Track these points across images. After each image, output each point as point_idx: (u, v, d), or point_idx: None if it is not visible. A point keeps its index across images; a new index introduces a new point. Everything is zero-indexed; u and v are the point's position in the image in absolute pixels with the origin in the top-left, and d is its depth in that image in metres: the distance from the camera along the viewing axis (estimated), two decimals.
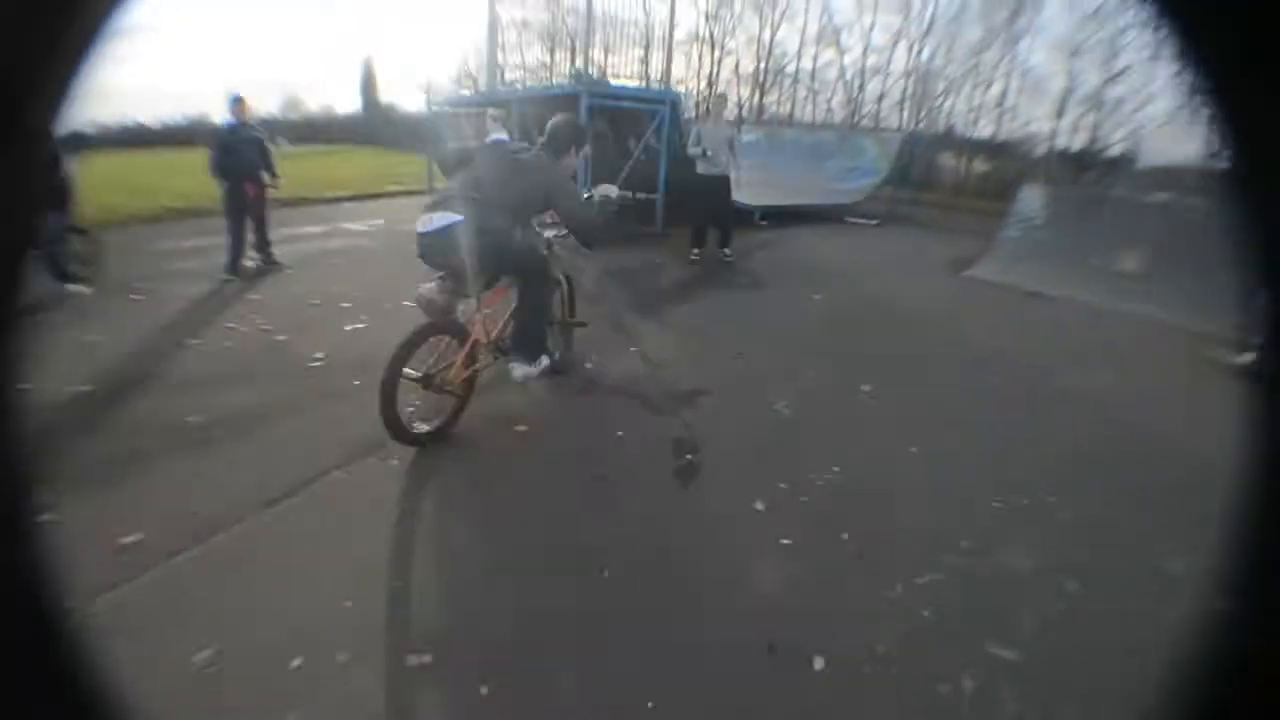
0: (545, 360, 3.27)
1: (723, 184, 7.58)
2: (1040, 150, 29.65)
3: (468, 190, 2.97)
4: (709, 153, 7.40)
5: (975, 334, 5.58)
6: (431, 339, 2.96)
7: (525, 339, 3.18)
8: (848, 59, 31.98)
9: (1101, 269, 7.76)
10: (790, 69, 32.82)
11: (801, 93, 33.12)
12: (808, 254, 8.91)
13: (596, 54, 9.96)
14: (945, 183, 31.23)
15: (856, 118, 30.30)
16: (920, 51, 30.52)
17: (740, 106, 32.96)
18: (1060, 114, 28.46)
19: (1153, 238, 7.79)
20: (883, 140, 15.42)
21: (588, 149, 3.84)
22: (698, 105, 34.25)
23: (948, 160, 31.86)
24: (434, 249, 2.93)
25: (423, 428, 2.97)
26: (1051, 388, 4.39)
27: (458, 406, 3.10)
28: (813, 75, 32.60)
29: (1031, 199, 9.00)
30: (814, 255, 8.88)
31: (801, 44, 32.14)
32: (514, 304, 3.22)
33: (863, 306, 6.25)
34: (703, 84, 34.67)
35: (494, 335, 3.22)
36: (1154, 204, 9.37)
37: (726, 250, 7.81)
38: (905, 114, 28.22)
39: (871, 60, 31.44)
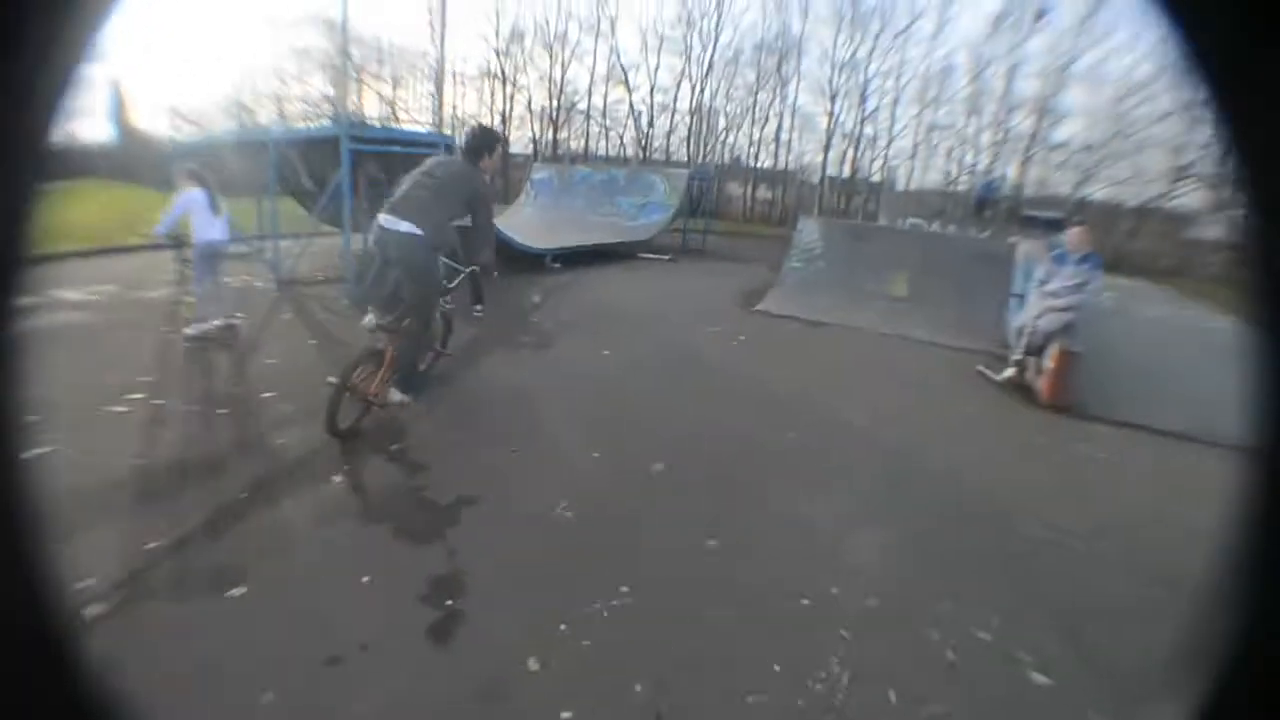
0: (410, 394, 4.05)
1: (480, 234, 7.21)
2: (814, 178, 34.23)
3: (404, 195, 3.74)
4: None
5: (771, 379, 5.68)
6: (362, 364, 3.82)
7: (401, 365, 3.88)
8: (636, 96, 34.63)
9: (874, 293, 8.55)
10: (582, 106, 34.80)
11: (594, 129, 34.99)
12: (600, 298, 8.79)
13: (384, 89, 9.19)
14: (733, 212, 34.55)
15: (647, 153, 32.52)
16: (702, 90, 33.99)
17: (534, 142, 33.84)
18: (827, 147, 33.29)
19: (911, 262, 8.75)
20: (671, 176, 16.12)
21: (499, 152, 4.29)
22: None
23: (735, 189, 35.37)
24: (380, 242, 3.71)
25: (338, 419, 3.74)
26: (851, 435, 4.50)
27: (359, 416, 3.90)
28: (604, 112, 34.77)
29: (809, 230, 9.73)
30: (606, 299, 8.78)
31: (592, 82, 34.77)
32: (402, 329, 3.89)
33: (654, 359, 6.14)
34: (496, 120, 35.14)
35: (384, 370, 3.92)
36: (910, 231, 10.73)
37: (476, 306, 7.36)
38: (692, 148, 30.52)
39: (659, 98, 34.92)
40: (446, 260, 4.09)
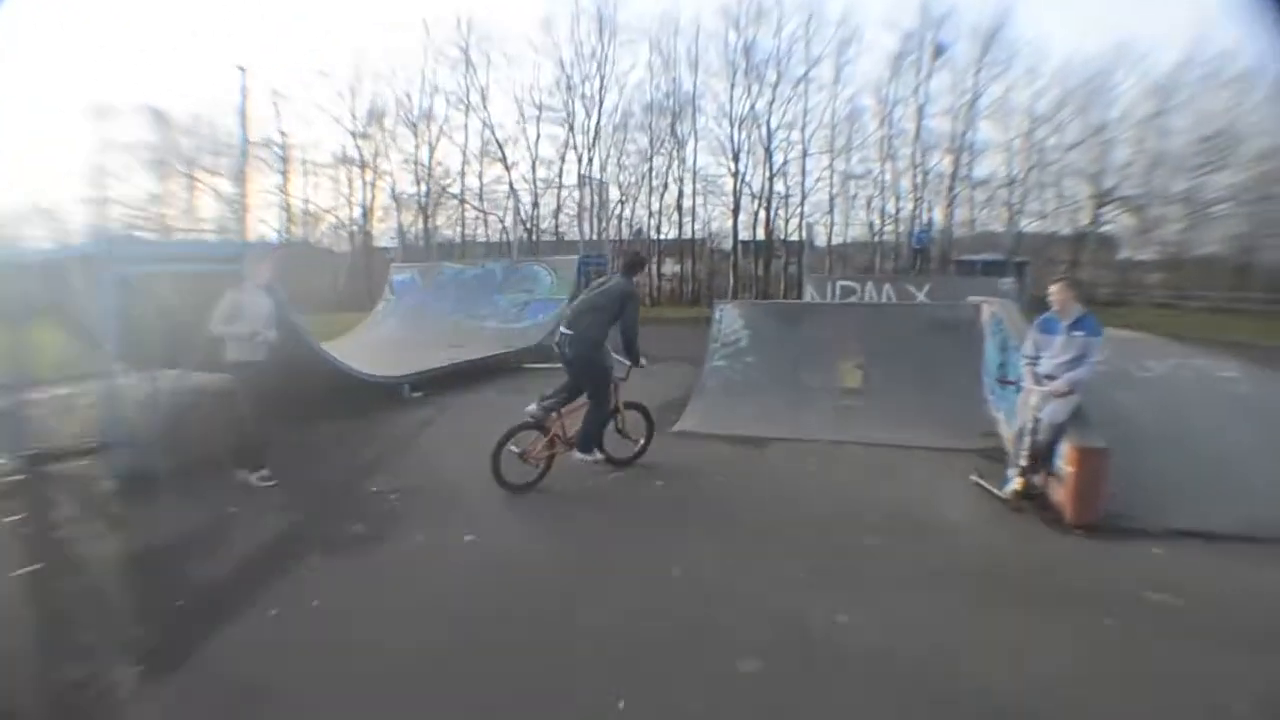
0: (597, 453, 6.03)
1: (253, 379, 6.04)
2: (725, 245, 34.41)
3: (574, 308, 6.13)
4: (261, 333, 5.83)
5: (700, 568, 4.50)
6: (523, 431, 5.73)
7: (585, 436, 5.90)
8: (516, 173, 33.97)
9: (819, 390, 7.75)
10: (455, 188, 34.04)
11: (470, 214, 34.10)
12: (468, 439, 7.46)
13: (220, 183, 7.86)
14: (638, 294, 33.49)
15: (534, 236, 31.69)
16: (589, 161, 33.70)
17: (400, 234, 32.60)
18: (736, 210, 33.65)
19: (859, 344, 8.06)
20: (558, 265, 15.33)
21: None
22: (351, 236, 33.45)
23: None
24: (562, 344, 5.90)
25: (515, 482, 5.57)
26: (835, 658, 3.34)
27: (536, 478, 5.75)
28: (480, 194, 34.02)
29: (730, 318, 8.97)
30: (477, 440, 7.48)
31: (465, 161, 33.97)
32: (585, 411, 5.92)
33: (533, 547, 4.91)
34: (355, 211, 33.91)
35: (565, 435, 5.93)
36: (851, 306, 10.21)
37: (253, 475, 6.00)
38: (585, 225, 30.18)
39: (542, 173, 34.32)
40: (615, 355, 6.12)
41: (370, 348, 13.29)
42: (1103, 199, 31.92)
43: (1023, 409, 5.32)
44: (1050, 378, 5.17)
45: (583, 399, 5.99)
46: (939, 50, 31.85)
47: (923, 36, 31.82)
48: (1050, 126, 31.84)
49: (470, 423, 8.20)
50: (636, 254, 6.75)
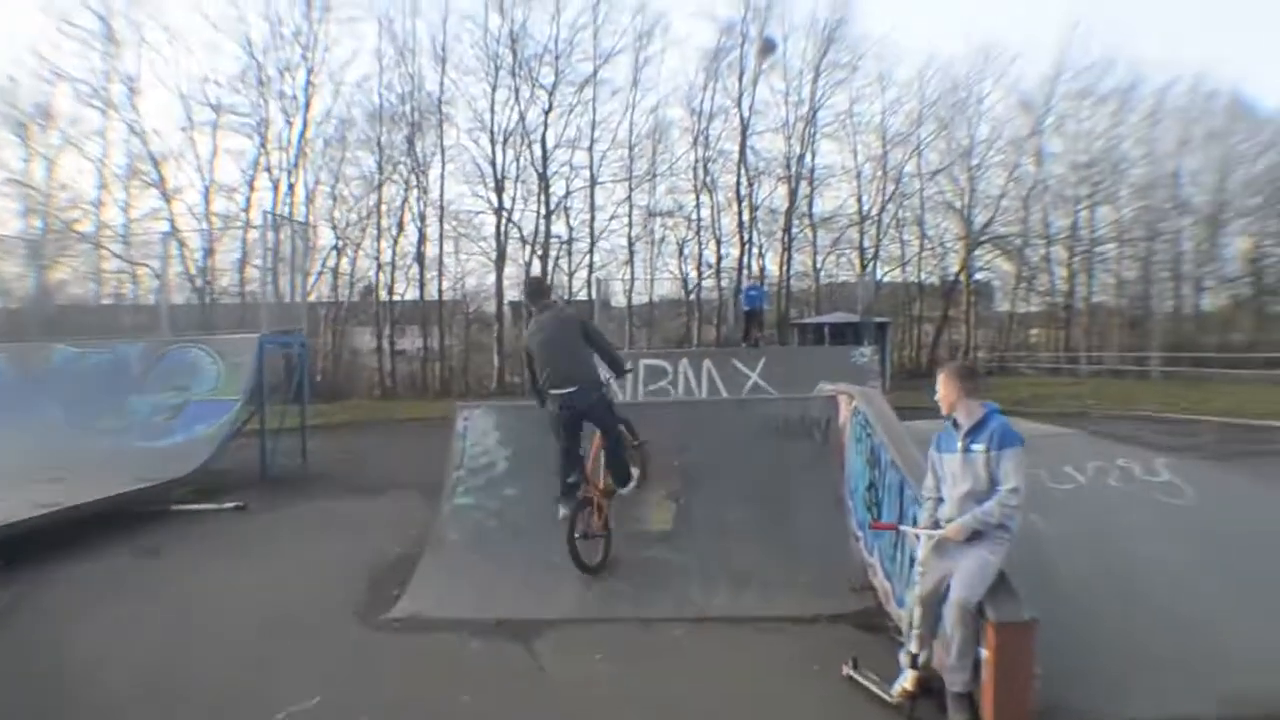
0: (634, 477, 7.43)
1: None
2: (488, 308, 33.11)
3: (542, 358, 7.18)
4: None
5: None
6: (578, 515, 6.99)
7: (615, 468, 7.34)
8: (179, 206, 30.42)
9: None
10: (86, 226, 29.69)
11: (112, 265, 30.04)
12: (60, 668, 6.04)
13: None
14: (362, 382, 31.76)
15: (207, 299, 28.28)
16: (290, 188, 31.37)
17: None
18: (500, 261, 32.31)
19: (669, 465, 7.74)
20: (226, 349, 13.76)
21: None
22: None
23: (364, 342, 32.20)
24: (568, 403, 7.01)
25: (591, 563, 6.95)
26: None
27: (606, 544, 7.20)
28: (126, 236, 29.96)
29: (479, 426, 8.17)
30: (78, 666, 6.06)
31: (103, 184, 30.78)
32: (603, 450, 7.40)
33: None
34: None
35: (601, 487, 7.43)
36: (654, 403, 9.72)
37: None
38: (280, 284, 28.22)
39: (220, 205, 30.92)
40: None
41: None
42: (975, 240, 34.39)
43: (923, 571, 4.82)
44: (949, 519, 4.73)
45: (583, 452, 7.41)
46: (766, 47, 32.73)
47: (746, 29, 32.79)
48: (907, 148, 34.18)
49: (59, 626, 6.69)
50: (536, 279, 10.29)
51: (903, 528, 4.99)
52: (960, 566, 4.51)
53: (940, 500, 4.83)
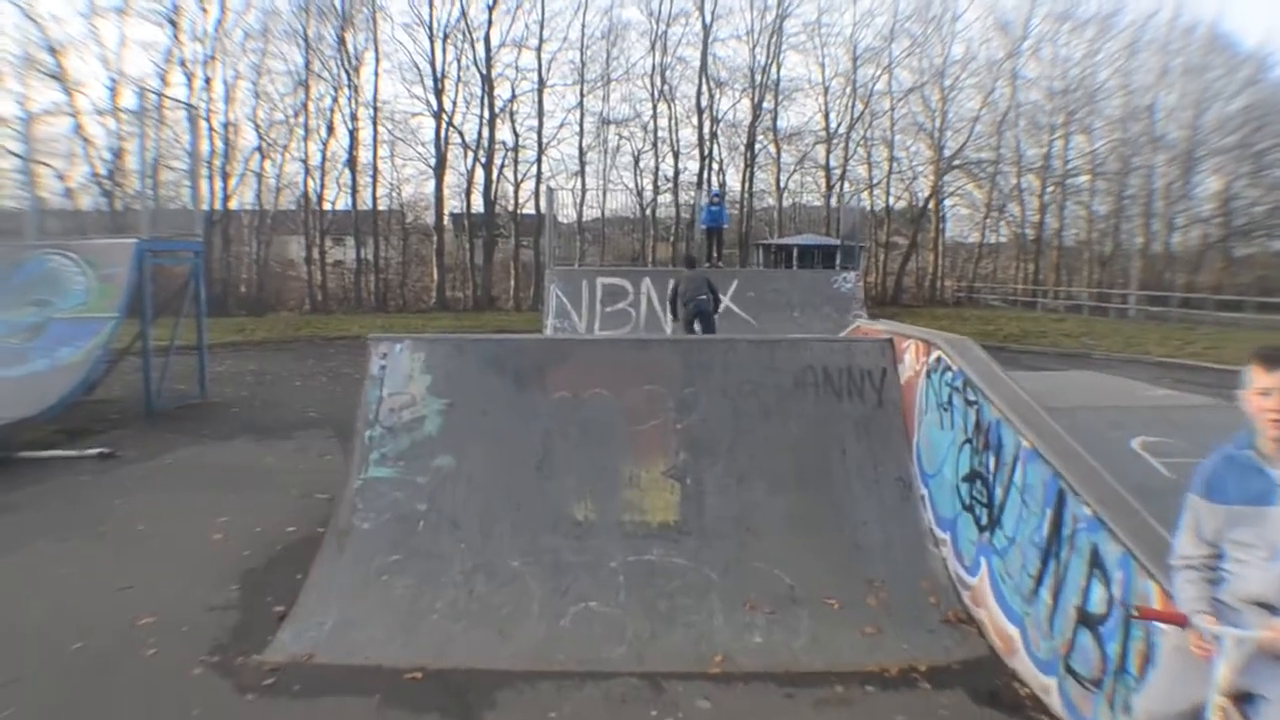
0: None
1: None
2: (427, 219, 30.78)
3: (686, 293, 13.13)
4: None
5: None
6: None
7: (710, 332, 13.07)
8: (84, 102, 27.24)
9: (595, 528, 5.22)
10: None
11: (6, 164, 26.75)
12: None
13: None
14: (292, 296, 29.57)
15: (116, 205, 25.36)
16: (209, 81, 28.13)
17: None
18: (440, 167, 29.98)
19: (669, 423, 5.45)
20: (96, 256, 11.18)
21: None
22: None
23: (292, 252, 29.76)
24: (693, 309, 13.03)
25: None
26: None
27: None
28: (26, 134, 26.50)
29: (405, 369, 5.93)
30: None
31: None
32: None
33: None
34: None
35: None
36: (639, 340, 7.56)
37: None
38: (205, 186, 25.89)
39: (130, 102, 27.54)
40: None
41: None
42: (946, 165, 32.97)
43: (1185, 678, 2.64)
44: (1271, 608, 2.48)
45: None
46: None
47: None
48: (878, 65, 32.59)
49: None
50: (691, 257, 15.52)
51: (1212, 628, 2.58)
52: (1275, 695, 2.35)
53: (1218, 565, 2.67)
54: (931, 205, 34.14)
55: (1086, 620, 3.55)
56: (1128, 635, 3.24)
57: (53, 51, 27.18)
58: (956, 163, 33.50)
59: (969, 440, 4.80)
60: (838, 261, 20.75)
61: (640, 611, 4.58)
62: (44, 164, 26.69)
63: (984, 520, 4.56)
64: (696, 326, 12.84)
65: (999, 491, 4.43)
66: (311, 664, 4.21)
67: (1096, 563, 3.52)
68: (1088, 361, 15.60)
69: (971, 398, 4.81)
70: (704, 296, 12.64)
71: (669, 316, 14.34)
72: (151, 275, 11.49)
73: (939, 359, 5.26)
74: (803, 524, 5.10)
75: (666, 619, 4.52)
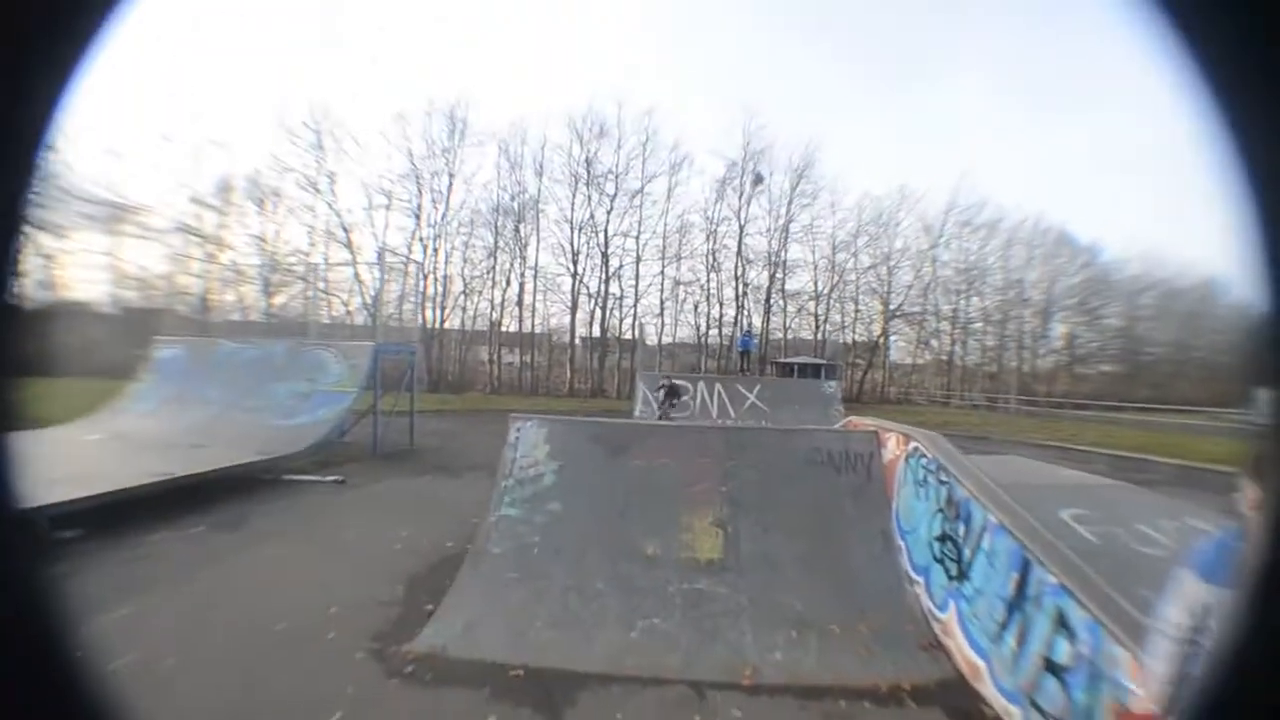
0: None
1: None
2: (563, 339, 31.42)
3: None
4: None
5: None
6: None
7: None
8: (361, 258, 29.25)
9: (658, 563, 4.37)
10: (299, 266, 28.29)
11: (316, 294, 28.42)
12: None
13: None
14: (478, 380, 30.20)
15: (377, 320, 26.51)
16: (436, 250, 29.95)
17: (241, 309, 26.52)
18: (574, 307, 30.84)
19: (715, 487, 4.75)
20: (350, 352, 11.08)
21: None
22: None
23: (481, 354, 31.04)
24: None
25: None
26: None
27: None
28: (325, 275, 28.53)
29: (532, 440, 5.33)
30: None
31: (311, 241, 29.07)
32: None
33: None
34: (194, 281, 27.61)
35: None
36: (689, 428, 6.97)
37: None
38: (430, 313, 26.38)
39: (389, 261, 29.20)
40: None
41: (85, 444, 8.48)
42: (890, 314, 32.33)
43: None
44: None
45: None
46: (757, 180, 31.63)
47: (744, 167, 31.46)
48: (848, 252, 32.32)
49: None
50: (672, 385, 15.24)
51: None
52: None
53: (1200, 648, 1.89)
54: (881, 340, 33.26)
55: (1053, 668, 2.74)
56: (1098, 692, 2.44)
57: (344, 229, 28.49)
58: (897, 314, 32.86)
59: (941, 510, 4.01)
60: (823, 374, 20.13)
61: (691, 628, 3.83)
62: (334, 295, 27.96)
63: (953, 572, 3.74)
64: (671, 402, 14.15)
65: (967, 552, 3.63)
66: (443, 656, 3.54)
67: (1063, 623, 2.72)
68: (989, 444, 14.15)
69: (944, 479, 4.04)
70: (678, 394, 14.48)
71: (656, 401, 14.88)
72: (383, 366, 11.31)
73: (916, 448, 4.51)
74: (811, 564, 4.31)
75: (710, 635, 3.76)
